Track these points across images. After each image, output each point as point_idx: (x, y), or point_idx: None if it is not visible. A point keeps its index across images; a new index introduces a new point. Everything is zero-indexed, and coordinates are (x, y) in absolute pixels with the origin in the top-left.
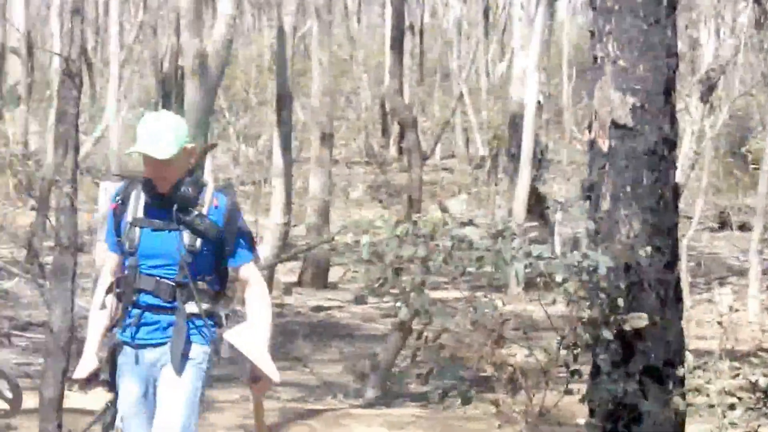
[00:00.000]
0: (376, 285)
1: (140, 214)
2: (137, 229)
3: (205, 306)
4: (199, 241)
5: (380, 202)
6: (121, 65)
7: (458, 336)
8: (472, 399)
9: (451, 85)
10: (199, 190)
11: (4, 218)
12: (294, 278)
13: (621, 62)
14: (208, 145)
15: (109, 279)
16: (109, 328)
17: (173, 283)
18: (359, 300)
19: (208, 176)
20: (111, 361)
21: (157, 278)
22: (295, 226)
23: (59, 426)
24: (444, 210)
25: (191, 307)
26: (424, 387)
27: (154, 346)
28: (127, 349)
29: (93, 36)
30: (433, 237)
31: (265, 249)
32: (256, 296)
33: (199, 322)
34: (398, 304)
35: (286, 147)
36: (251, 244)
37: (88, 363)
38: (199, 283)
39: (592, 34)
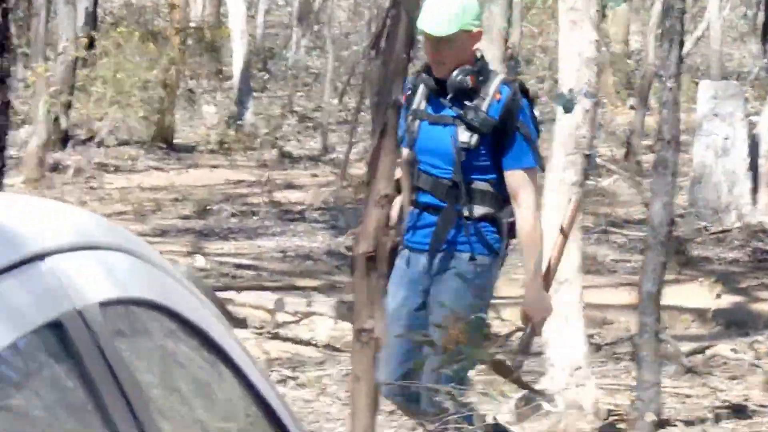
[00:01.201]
0: None
1: (422, 105)
2: (417, 122)
3: (484, 209)
4: (475, 138)
5: None
6: None
7: None
8: None
9: None
10: (482, 82)
11: (603, 117)
12: None
13: None
14: None
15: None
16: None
17: (450, 183)
18: None
19: None
20: (389, 264)
21: (436, 177)
22: None
23: (657, 320)
24: None
25: (470, 211)
26: None
27: (428, 251)
28: (403, 252)
29: None
30: None
31: None
32: (519, 216)
33: (479, 227)
34: None
35: None
36: (529, 148)
37: None
38: (479, 183)
39: None
